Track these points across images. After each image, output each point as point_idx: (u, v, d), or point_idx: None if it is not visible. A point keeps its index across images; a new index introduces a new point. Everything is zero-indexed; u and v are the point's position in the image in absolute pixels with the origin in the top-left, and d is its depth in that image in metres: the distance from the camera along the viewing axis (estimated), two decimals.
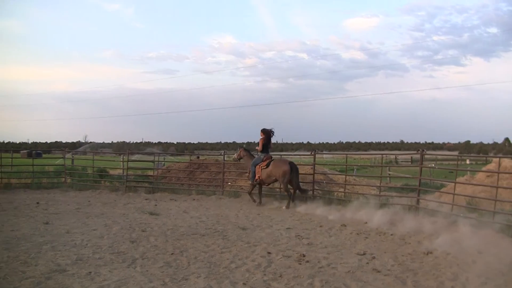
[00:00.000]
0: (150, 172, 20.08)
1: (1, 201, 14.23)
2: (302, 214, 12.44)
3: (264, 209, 13.40)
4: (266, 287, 6.19)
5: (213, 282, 6.31)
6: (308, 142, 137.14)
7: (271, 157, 14.32)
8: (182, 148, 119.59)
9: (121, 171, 20.31)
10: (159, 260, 7.42)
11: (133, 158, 20.55)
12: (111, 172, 21.06)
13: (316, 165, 15.56)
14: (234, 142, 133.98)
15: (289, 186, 13.79)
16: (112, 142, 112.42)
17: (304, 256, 7.76)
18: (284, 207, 13.56)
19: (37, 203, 14.01)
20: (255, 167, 14.16)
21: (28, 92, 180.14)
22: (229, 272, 6.81)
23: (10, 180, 18.51)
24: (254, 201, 14.30)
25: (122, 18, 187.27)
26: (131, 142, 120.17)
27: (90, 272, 6.62)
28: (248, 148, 15.76)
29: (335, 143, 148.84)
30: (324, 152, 69.08)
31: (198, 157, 24.91)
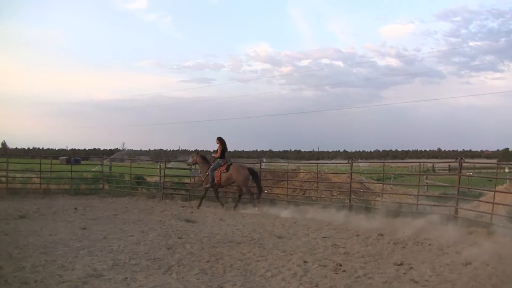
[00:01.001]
0: (186, 180, 20.15)
1: (40, 206, 14.58)
2: (339, 223, 12.31)
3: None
4: None
5: None
6: (344, 150, 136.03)
7: (227, 162, 15.57)
8: None
9: (158, 178, 20.52)
10: (195, 267, 7.45)
11: (169, 166, 20.64)
12: (148, 179, 21.26)
13: (353, 173, 15.47)
14: (270, 150, 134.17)
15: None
16: (149, 149, 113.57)
17: (340, 265, 7.69)
18: (233, 208, 15.17)
19: (75, 208, 14.27)
20: (213, 171, 15.35)
21: (69, 100, 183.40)
22: (264, 281, 6.79)
23: (49, 185, 18.97)
24: (200, 205, 15.56)
25: (160, 27, 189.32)
26: (168, 149, 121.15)
27: (126, 278, 6.70)
28: (203, 154, 16.97)
29: (372, 151, 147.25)
30: (360, 160, 68.47)
31: None
